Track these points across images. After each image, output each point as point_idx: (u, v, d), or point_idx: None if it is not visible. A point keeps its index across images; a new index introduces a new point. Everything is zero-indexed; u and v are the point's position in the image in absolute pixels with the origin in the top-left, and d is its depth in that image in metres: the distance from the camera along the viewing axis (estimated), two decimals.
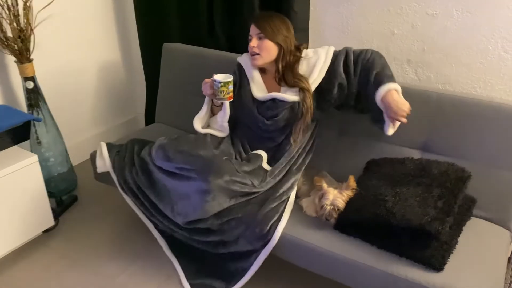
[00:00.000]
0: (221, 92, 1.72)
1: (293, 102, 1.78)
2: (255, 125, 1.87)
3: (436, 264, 1.41)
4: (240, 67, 1.95)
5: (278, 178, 1.78)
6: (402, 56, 2.03)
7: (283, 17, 1.79)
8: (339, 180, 1.86)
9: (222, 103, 1.87)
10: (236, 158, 1.85)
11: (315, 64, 1.78)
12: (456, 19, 1.86)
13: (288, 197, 1.75)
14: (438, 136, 1.77)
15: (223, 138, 1.92)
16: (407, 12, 1.95)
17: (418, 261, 1.44)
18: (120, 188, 1.97)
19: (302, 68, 1.81)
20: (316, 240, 1.60)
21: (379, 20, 2.03)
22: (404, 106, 1.59)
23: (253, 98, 1.85)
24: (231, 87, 1.72)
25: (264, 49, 1.76)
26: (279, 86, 1.84)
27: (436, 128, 1.77)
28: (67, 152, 2.47)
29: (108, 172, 2.01)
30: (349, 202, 1.62)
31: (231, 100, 1.77)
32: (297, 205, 1.76)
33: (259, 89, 1.86)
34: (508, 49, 1.80)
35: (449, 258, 1.44)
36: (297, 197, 1.80)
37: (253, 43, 1.76)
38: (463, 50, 1.89)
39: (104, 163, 2.01)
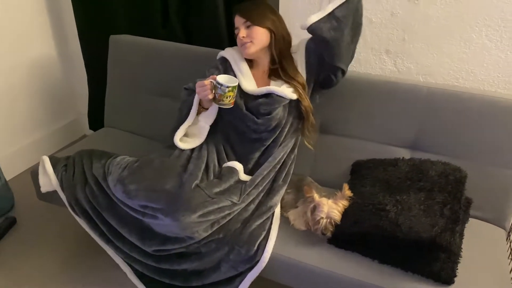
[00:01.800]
0: (227, 97, 1.47)
1: (290, 100, 1.59)
2: (242, 124, 1.63)
3: (446, 278, 1.29)
4: (224, 61, 1.71)
5: (261, 188, 1.58)
6: (380, 46, 1.89)
7: (266, 2, 1.67)
8: (323, 185, 1.70)
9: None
10: (207, 174, 1.61)
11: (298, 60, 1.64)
12: (439, 6, 1.73)
13: (273, 212, 1.55)
14: (429, 134, 1.65)
15: (193, 149, 1.66)
16: None
17: (426, 275, 1.32)
18: (71, 210, 1.67)
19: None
20: (310, 258, 1.42)
21: None
22: None
23: (242, 93, 1.62)
24: (236, 91, 1.50)
25: (255, 36, 1.59)
26: (270, 80, 1.65)
27: (426, 125, 1.65)
28: None
29: (54, 191, 1.70)
30: (345, 214, 1.45)
31: (233, 106, 1.53)
32: (283, 218, 1.57)
33: (249, 83, 1.64)
34: (493, 38, 1.71)
35: (457, 269, 1.32)
36: (280, 207, 1.61)
37: (242, 33, 1.59)
38: (445, 39, 1.78)
39: (49, 181, 1.70)
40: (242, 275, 1.48)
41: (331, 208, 1.44)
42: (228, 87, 1.45)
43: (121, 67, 2.13)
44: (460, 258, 1.36)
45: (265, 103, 1.59)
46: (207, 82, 1.49)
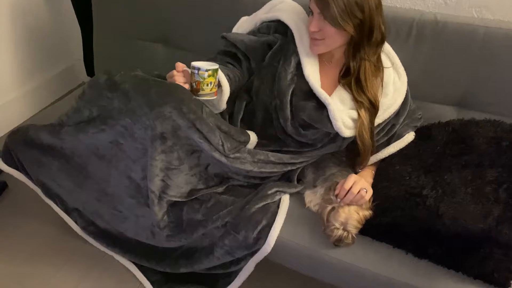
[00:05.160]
0: (207, 85, 1.13)
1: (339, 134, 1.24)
2: (275, 113, 1.30)
3: (501, 280, 1.04)
4: (283, 28, 1.30)
5: (258, 166, 1.26)
6: None
7: None
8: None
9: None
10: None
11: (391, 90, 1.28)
12: None
13: (280, 198, 1.27)
14: (483, 88, 1.33)
15: None
16: None
17: (474, 276, 1.06)
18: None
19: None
20: (327, 246, 1.18)
21: None
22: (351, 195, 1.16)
23: (295, 76, 1.27)
24: (217, 78, 1.16)
25: (330, 36, 1.17)
26: (338, 83, 1.28)
27: (480, 77, 1.32)
28: None
29: None
30: (372, 200, 1.17)
31: (216, 97, 1.20)
32: (298, 198, 1.30)
33: (313, 71, 1.26)
34: None
35: None
36: (298, 180, 1.36)
37: (314, 26, 1.17)
38: None
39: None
40: (242, 260, 1.27)
41: (350, 217, 1.14)
42: (208, 70, 1.11)
43: (108, 8, 1.82)
44: None
45: (309, 114, 1.24)
46: (178, 71, 1.18)
